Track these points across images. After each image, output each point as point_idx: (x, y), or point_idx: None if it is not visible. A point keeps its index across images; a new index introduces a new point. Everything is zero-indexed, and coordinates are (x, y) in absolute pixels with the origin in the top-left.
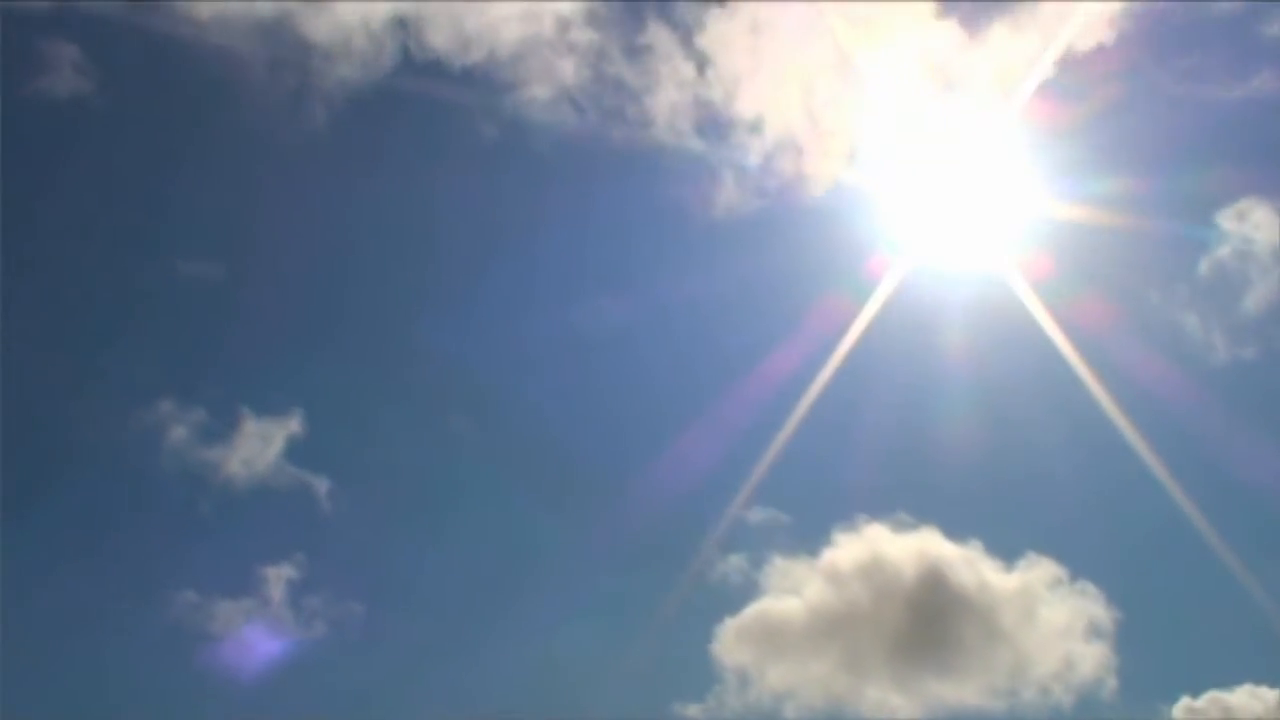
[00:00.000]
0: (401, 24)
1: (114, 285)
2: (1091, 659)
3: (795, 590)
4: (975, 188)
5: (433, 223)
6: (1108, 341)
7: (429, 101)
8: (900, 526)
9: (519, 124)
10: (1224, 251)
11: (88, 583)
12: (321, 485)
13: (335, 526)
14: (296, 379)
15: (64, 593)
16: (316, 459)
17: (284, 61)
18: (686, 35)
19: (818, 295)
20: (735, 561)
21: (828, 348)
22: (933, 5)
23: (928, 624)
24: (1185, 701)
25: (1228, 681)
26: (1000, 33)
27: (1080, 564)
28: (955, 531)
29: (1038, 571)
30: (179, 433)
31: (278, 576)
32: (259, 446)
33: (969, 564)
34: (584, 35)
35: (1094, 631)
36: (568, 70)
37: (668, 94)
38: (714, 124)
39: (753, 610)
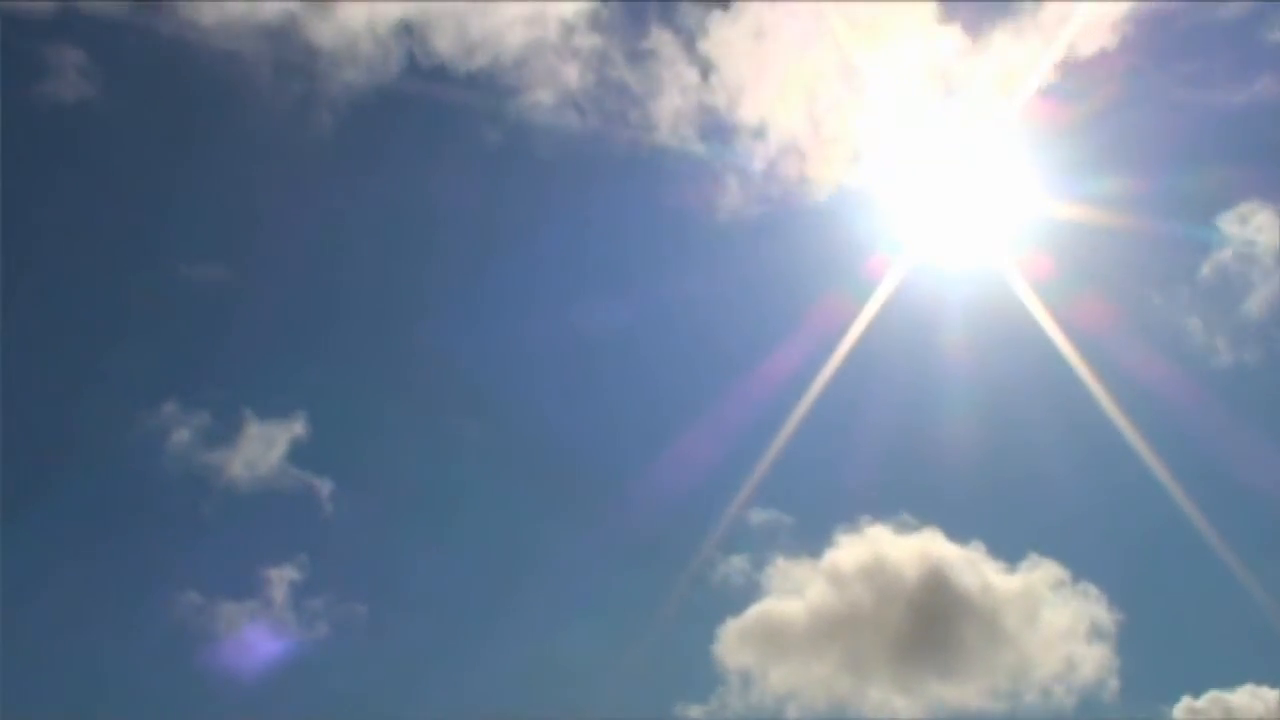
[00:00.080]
0: (407, 29)
1: (118, 288)
2: (1093, 660)
3: (797, 591)
4: (976, 188)
5: (436, 226)
6: (1109, 342)
7: (433, 106)
8: (902, 527)
9: (523, 128)
10: (1225, 253)
11: (92, 584)
12: (324, 487)
13: (338, 528)
14: (300, 382)
15: (68, 594)
16: (319, 461)
17: (289, 66)
18: (690, 40)
19: (819, 296)
20: (737, 562)
21: (829, 348)
22: (935, 10)
23: (930, 625)
24: (1186, 701)
25: (1229, 682)
26: (1003, 38)
27: (1082, 565)
28: (957, 533)
29: (1040, 573)
30: (182, 435)
31: (280, 578)
32: (262, 449)
33: (971, 565)
34: (588, 40)
35: (1096, 633)
36: (572, 75)
37: (671, 99)
38: (717, 129)
39: (755, 611)
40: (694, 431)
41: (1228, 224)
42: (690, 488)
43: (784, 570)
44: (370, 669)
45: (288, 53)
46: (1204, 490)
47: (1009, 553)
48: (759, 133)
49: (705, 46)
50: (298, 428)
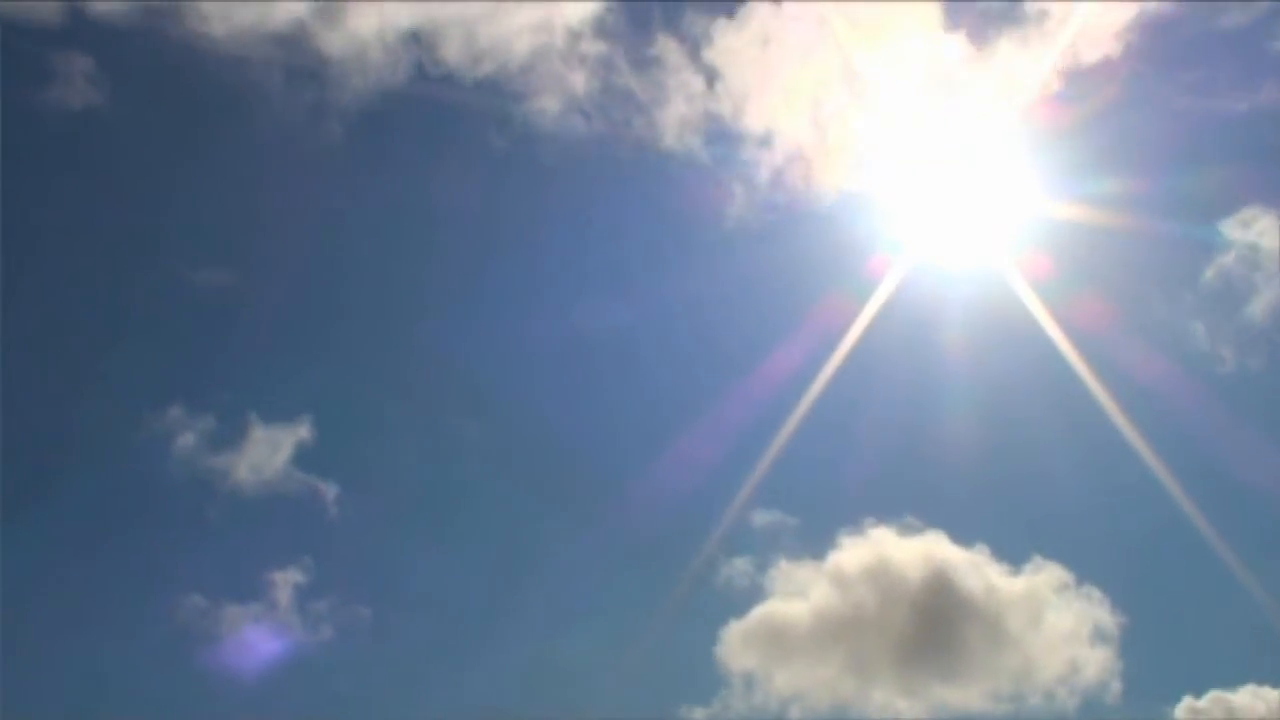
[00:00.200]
0: (415, 36)
1: (126, 292)
2: (1096, 663)
3: (801, 593)
4: (977, 189)
5: (442, 232)
6: (1109, 343)
7: (440, 112)
8: (906, 530)
9: (529, 134)
10: (1228, 256)
11: (98, 587)
12: (329, 490)
13: (342, 531)
14: (305, 386)
15: (74, 597)
16: (324, 464)
17: (296, 73)
18: (695, 47)
19: (820, 296)
20: (740, 564)
21: (831, 349)
22: (940, 17)
23: (933, 628)
24: (1188, 701)
25: (1230, 683)
26: (1007, 45)
27: (1086, 568)
28: (961, 535)
29: (1044, 576)
30: (188, 438)
31: (285, 580)
32: (267, 452)
33: (975, 568)
34: (594, 47)
35: (1099, 636)
36: (578, 82)
37: (676, 106)
38: (722, 135)
39: (758, 613)
40: (697, 433)
41: (1230, 228)
42: (694, 489)
43: (787, 572)
44: (374, 671)
45: (295, 60)
46: (1206, 492)
47: (1013, 555)
48: (762, 138)
49: (710, 54)
50: (303, 431)
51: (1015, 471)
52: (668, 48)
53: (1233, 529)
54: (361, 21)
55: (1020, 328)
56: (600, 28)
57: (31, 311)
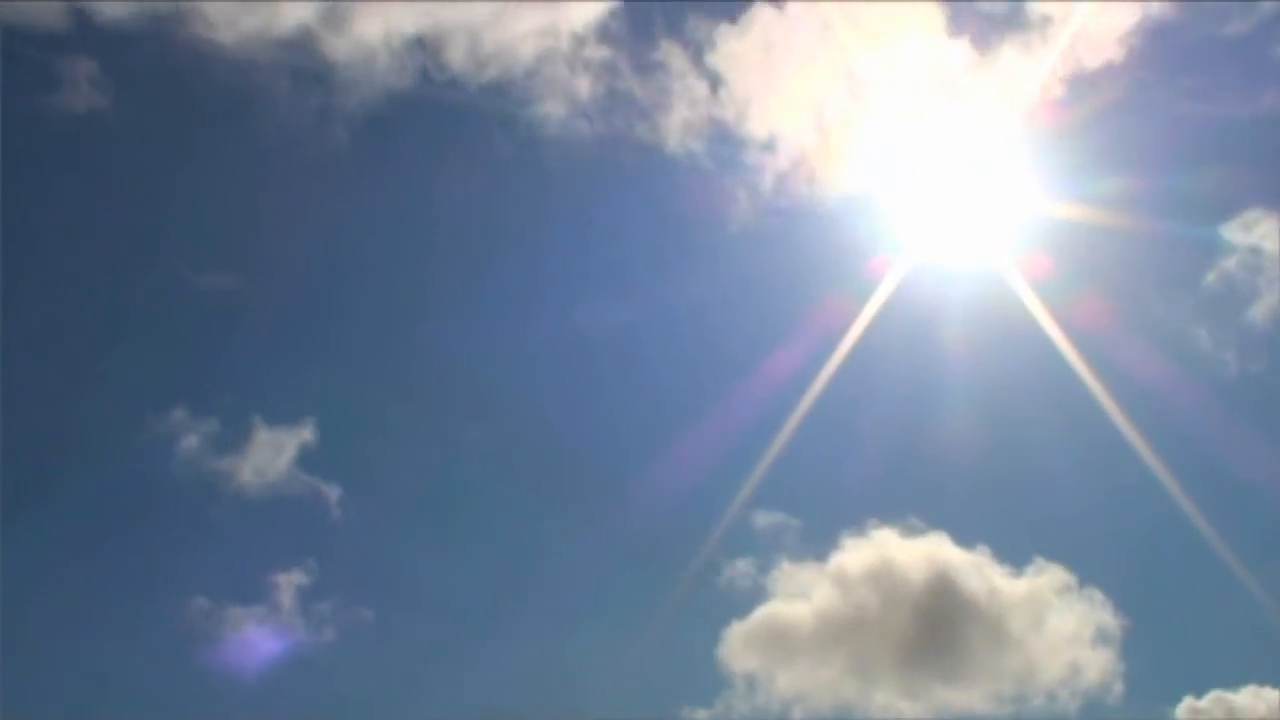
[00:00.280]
0: (420, 42)
1: (130, 295)
2: (1098, 665)
3: (803, 594)
4: (977, 189)
5: (445, 236)
6: (1110, 343)
7: (444, 117)
8: (909, 531)
9: (532, 139)
10: (1228, 258)
11: (101, 589)
12: (333, 493)
13: (345, 533)
14: (309, 388)
15: (77, 599)
16: (328, 467)
17: (301, 77)
18: (698, 52)
19: (822, 296)
20: (742, 565)
21: (833, 350)
22: (943, 21)
23: (936, 629)
24: (1189, 702)
25: (1232, 683)
26: (1010, 49)
27: (1089, 570)
28: (963, 537)
29: (1046, 577)
30: (192, 441)
31: (288, 583)
32: (271, 455)
33: (977, 569)
34: (597, 52)
35: (1101, 638)
36: (582, 87)
37: (680, 111)
38: (725, 139)
39: (760, 614)
40: (700, 434)
41: (1231, 231)
42: (696, 490)
43: (789, 573)
44: (377, 672)
45: (301, 64)
46: (1208, 493)
47: (1015, 557)
48: (765, 143)
49: (713, 59)
50: (306, 434)
51: (1017, 473)
52: (671, 52)
53: (1234, 530)
54: (367, 26)
55: (1021, 328)
56: (604, 33)
57: (37, 314)
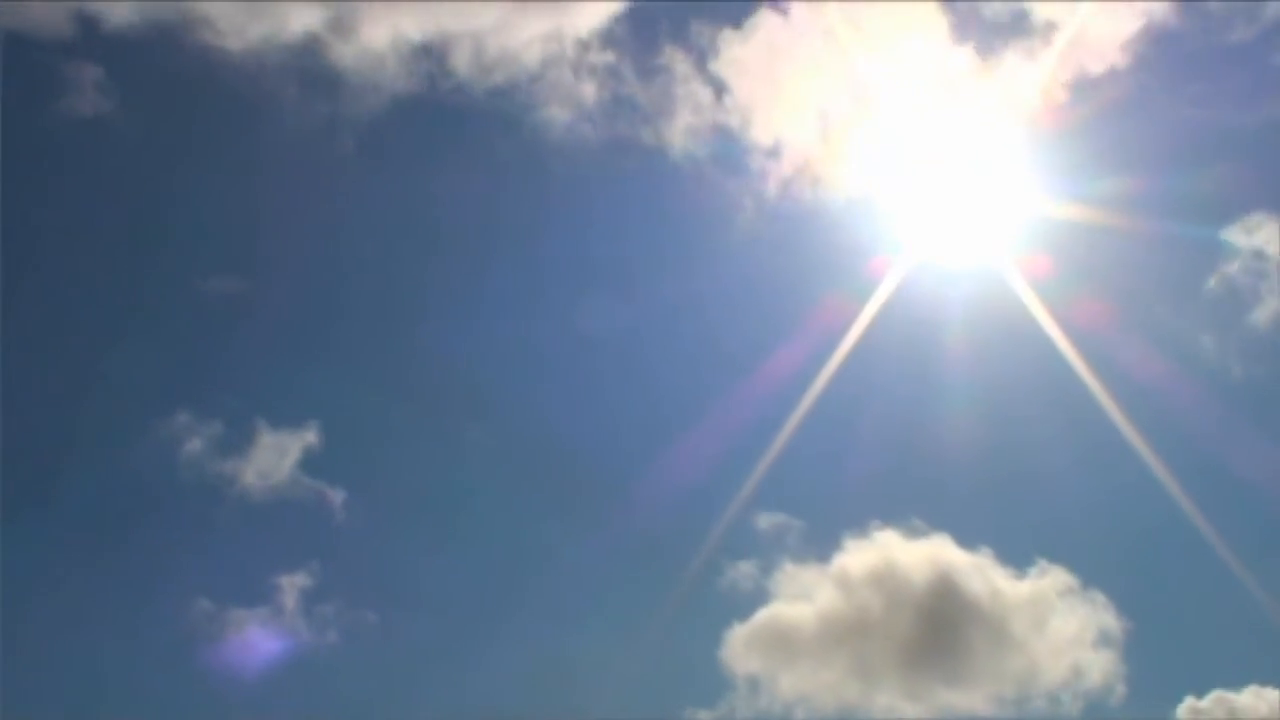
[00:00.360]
0: (426, 48)
1: (135, 299)
2: (1100, 667)
3: (806, 596)
4: (977, 189)
5: (450, 241)
6: (1112, 344)
7: (449, 123)
8: (912, 533)
9: (537, 144)
10: (1231, 260)
11: (106, 592)
12: (336, 496)
13: (349, 536)
14: (312, 392)
15: (82, 602)
16: (331, 470)
17: (309, 83)
18: (702, 58)
19: (823, 297)
20: (745, 566)
21: (835, 351)
22: (947, 27)
23: (938, 631)
24: (1190, 702)
25: (1233, 684)
26: (1013, 55)
27: (1091, 572)
28: (966, 538)
29: (1049, 580)
30: (196, 444)
31: (292, 585)
32: (275, 458)
33: (980, 571)
34: (602, 58)
35: (1103, 639)
36: (587, 92)
37: (684, 116)
38: (729, 144)
39: (763, 615)
40: (703, 436)
41: (1234, 234)
42: (699, 491)
43: (792, 574)
44: (380, 674)
45: (308, 70)
46: (1210, 495)
47: (1018, 559)
48: (768, 148)
49: (717, 65)
50: (310, 437)
51: (1019, 474)
52: (675, 58)
53: (1236, 531)
54: (373, 33)
55: (1022, 328)
56: (608, 38)
57: (43, 317)
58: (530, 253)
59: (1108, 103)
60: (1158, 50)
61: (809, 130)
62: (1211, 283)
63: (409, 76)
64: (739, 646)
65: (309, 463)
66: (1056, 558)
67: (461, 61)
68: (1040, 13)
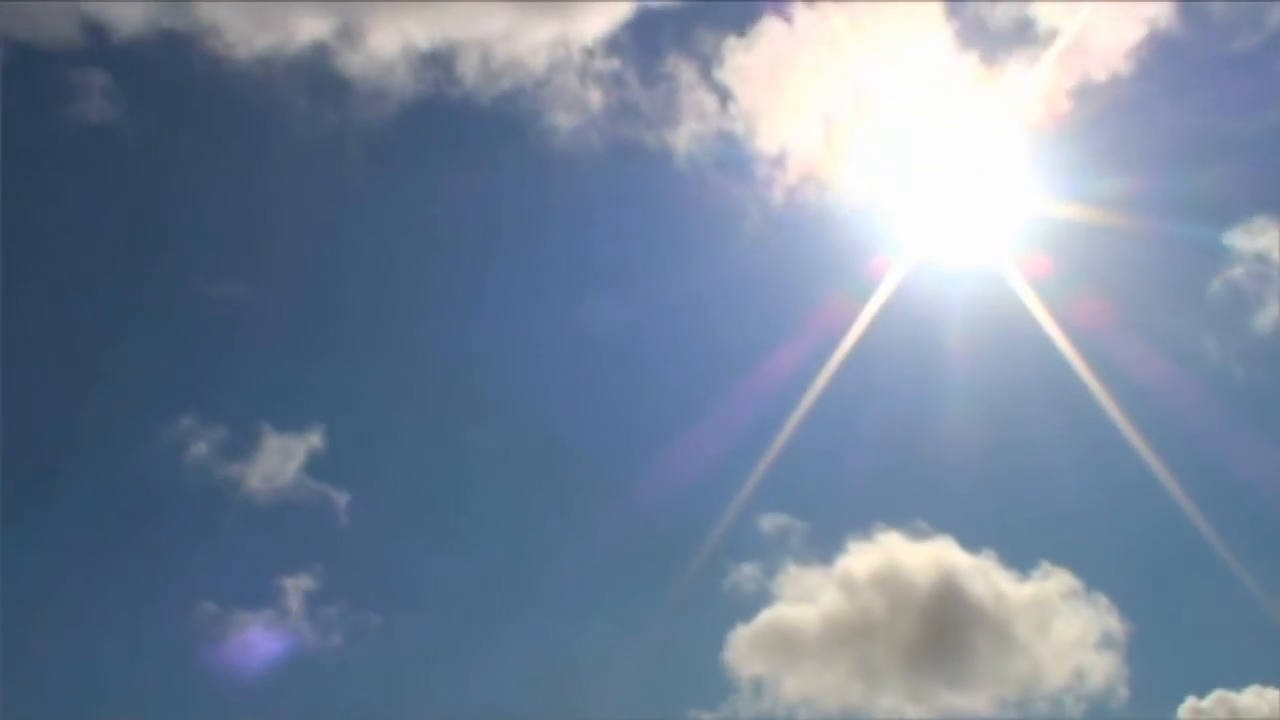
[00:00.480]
0: (433, 56)
1: (140, 304)
2: (1102, 670)
3: (809, 598)
4: (978, 189)
5: (455, 247)
6: (1113, 344)
7: (456, 130)
8: (915, 535)
9: (543, 152)
10: (1233, 263)
11: (111, 595)
12: (341, 499)
13: (353, 538)
14: (317, 395)
15: (86, 605)
16: (336, 473)
17: (316, 91)
18: (706, 65)
19: (823, 297)
20: (748, 568)
21: (836, 351)
22: (951, 35)
23: (941, 634)
24: (1191, 702)
25: (1235, 685)
26: (1016, 63)
27: (1095, 575)
28: (969, 541)
29: (1052, 582)
30: (200, 448)
31: (296, 587)
32: (279, 461)
33: (983, 574)
34: (607, 65)
35: (1106, 642)
36: (593, 99)
37: (689, 124)
38: (733, 151)
39: (765, 617)
40: (706, 438)
41: (1236, 237)
42: (703, 493)
43: (795, 576)
44: (383, 676)
45: (315, 78)
46: (1213, 497)
47: (1021, 561)
48: (773, 155)
49: (721, 73)
50: (314, 440)
51: (1023, 476)
52: (680, 65)
53: (1238, 533)
54: (381, 40)
55: (1023, 329)
56: (614, 45)
57: (48, 321)
58: (536, 258)
59: (1110, 107)
60: (1161, 57)
61: (813, 137)
62: (1214, 285)
63: (416, 83)
64: (742, 648)
65: (313, 465)
66: (1060, 560)
67: (468, 68)
68: (1044, 19)
